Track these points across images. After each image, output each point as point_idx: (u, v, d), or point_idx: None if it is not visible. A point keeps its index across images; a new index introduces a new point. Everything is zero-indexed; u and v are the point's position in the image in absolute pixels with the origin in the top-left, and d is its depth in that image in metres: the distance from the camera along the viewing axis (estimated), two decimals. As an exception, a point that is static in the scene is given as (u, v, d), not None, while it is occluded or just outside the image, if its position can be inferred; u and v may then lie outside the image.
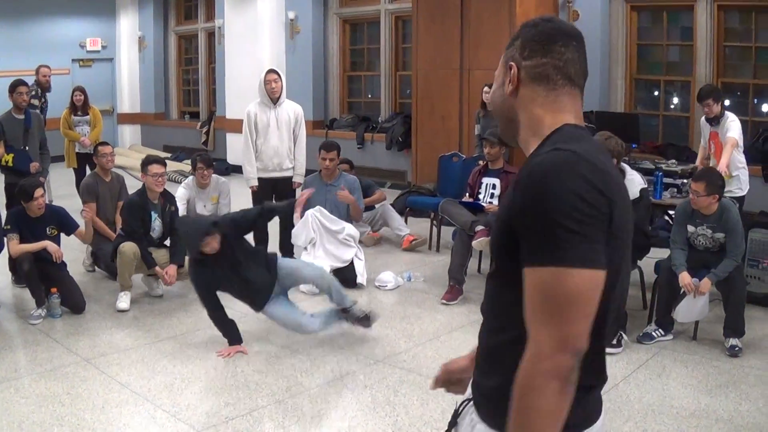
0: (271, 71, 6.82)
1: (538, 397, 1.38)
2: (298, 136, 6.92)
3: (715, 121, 6.36)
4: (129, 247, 5.82)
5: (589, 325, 1.40)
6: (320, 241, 6.43)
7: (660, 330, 5.11)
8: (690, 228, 5.14)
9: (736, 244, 4.95)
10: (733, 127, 6.24)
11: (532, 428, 1.39)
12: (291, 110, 6.88)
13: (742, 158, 6.38)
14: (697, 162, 6.87)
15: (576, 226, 1.39)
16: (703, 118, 6.56)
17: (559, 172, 1.42)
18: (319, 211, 6.50)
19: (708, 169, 5.35)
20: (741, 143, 6.33)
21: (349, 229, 6.55)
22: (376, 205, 7.95)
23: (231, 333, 4.98)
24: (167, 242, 6.28)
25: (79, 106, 9.47)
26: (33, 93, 8.90)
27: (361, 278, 6.43)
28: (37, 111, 7.54)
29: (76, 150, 9.44)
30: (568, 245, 1.39)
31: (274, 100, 6.74)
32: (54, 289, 5.57)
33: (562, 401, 1.38)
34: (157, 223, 6.14)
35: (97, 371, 4.60)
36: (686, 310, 5.00)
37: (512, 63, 1.63)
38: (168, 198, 6.26)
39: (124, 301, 5.87)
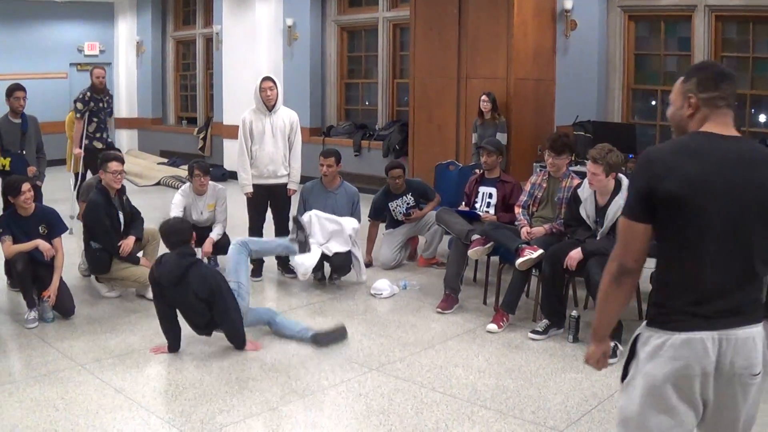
0: (266, 78, 6.79)
1: (601, 282, 2.45)
2: (294, 143, 6.90)
3: None
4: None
5: (632, 252, 2.34)
6: (317, 237, 6.51)
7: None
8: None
9: None
10: None
11: (597, 298, 2.53)
12: (286, 117, 6.86)
13: None
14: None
15: (628, 193, 2.41)
16: None
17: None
18: (316, 214, 6.60)
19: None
20: None
21: (347, 225, 6.59)
22: (429, 227, 7.29)
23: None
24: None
25: None
26: (81, 97, 8.90)
27: (363, 276, 6.72)
28: (34, 116, 7.49)
29: None
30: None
31: (270, 108, 6.72)
32: (45, 293, 5.56)
33: (610, 289, 2.40)
34: (120, 217, 6.20)
35: (91, 376, 4.59)
36: None
37: (691, 95, 2.38)
38: (121, 190, 6.30)
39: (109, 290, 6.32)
